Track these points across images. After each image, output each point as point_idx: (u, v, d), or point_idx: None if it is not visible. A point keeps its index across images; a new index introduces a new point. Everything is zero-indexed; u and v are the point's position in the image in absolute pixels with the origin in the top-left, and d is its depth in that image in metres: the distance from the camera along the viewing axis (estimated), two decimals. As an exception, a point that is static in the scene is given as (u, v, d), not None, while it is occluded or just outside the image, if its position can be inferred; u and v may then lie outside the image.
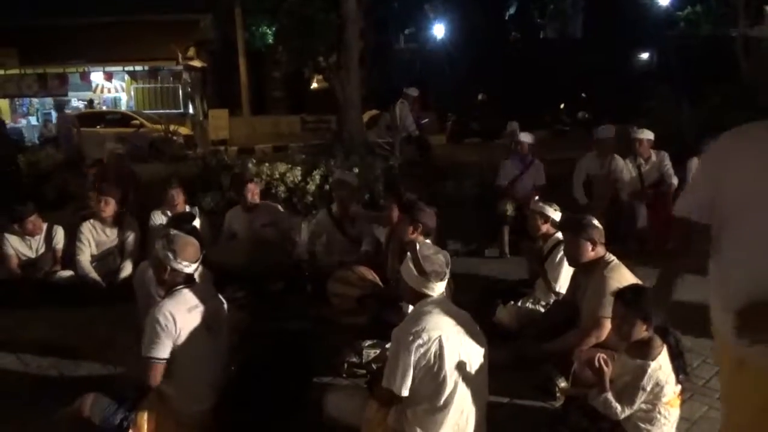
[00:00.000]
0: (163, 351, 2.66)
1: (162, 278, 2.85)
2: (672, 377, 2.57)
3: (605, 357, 2.62)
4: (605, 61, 23.77)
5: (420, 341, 2.41)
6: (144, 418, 2.72)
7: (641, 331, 2.54)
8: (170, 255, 2.76)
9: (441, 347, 2.41)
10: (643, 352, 2.55)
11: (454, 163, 9.33)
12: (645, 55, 28.98)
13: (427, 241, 3.53)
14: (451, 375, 2.43)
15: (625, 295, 2.63)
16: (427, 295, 2.57)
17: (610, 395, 2.56)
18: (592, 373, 2.64)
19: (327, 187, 7.58)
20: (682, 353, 2.70)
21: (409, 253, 2.65)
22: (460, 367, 2.46)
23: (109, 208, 5.31)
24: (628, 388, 2.53)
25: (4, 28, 20.63)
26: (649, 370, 2.49)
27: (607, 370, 2.59)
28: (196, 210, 5.62)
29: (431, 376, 2.43)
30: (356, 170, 7.03)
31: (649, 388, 2.51)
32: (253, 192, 5.39)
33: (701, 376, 3.60)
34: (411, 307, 2.76)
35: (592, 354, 2.70)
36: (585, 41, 27.85)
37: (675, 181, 6.33)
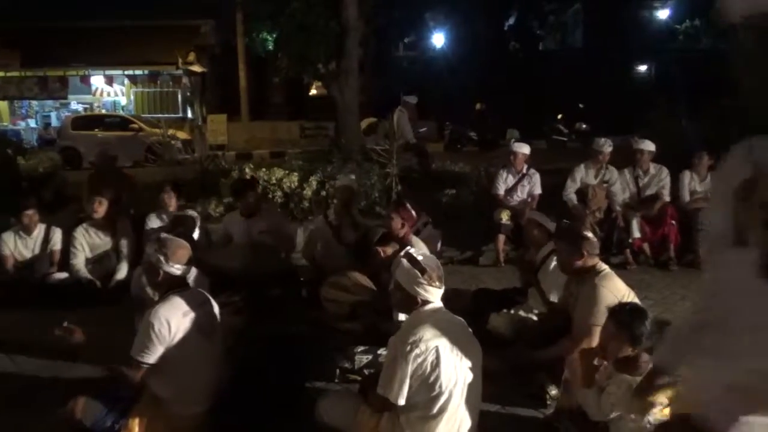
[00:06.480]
0: (152, 356, 2.67)
1: (155, 281, 2.86)
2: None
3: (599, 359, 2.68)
4: (604, 72, 23.85)
5: (417, 351, 2.41)
6: (136, 422, 2.71)
7: (627, 351, 2.59)
8: (161, 258, 2.78)
9: (438, 357, 2.42)
10: (630, 367, 2.59)
11: (450, 171, 9.35)
12: (644, 68, 29.10)
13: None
14: (447, 383, 2.44)
15: (618, 314, 2.67)
16: (424, 302, 2.54)
17: (592, 393, 2.63)
18: (581, 366, 2.71)
19: (324, 193, 7.61)
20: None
21: (403, 258, 2.59)
22: (456, 375, 2.47)
23: (102, 208, 5.34)
24: (610, 397, 2.58)
25: (6, 30, 20.67)
26: (635, 386, 2.52)
27: (600, 369, 2.65)
28: (195, 214, 5.63)
29: (427, 385, 2.43)
30: (353, 176, 7.08)
31: (630, 403, 2.53)
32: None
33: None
34: (403, 317, 2.76)
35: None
36: (584, 53, 27.90)
37: (667, 197, 6.31)
